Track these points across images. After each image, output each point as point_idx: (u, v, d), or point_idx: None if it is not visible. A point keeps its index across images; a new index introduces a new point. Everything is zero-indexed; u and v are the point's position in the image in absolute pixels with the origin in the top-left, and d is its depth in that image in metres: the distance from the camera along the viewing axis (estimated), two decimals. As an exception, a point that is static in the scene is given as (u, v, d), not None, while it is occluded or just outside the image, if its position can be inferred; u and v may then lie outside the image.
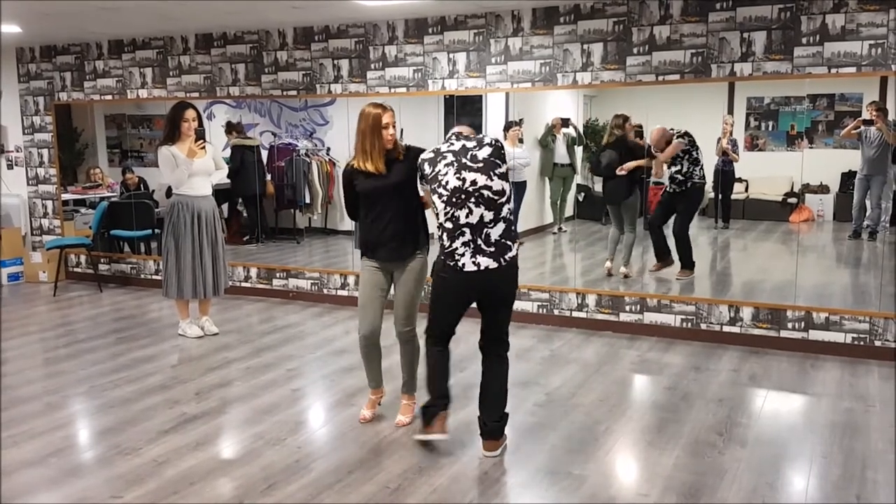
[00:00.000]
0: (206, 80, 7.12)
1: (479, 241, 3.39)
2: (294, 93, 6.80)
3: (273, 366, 5.09)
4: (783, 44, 5.10)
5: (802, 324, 5.29)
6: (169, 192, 5.74)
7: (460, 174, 3.38)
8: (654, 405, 4.29)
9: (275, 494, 3.27)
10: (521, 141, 7.05)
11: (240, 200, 8.31)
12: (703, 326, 5.56)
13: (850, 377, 4.74)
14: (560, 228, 7.58)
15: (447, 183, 3.38)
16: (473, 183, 3.37)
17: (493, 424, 3.62)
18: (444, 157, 3.45)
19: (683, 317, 5.62)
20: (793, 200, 6.70)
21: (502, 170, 3.45)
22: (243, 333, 5.94)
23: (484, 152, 3.43)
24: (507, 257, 3.43)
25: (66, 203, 8.21)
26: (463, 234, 3.39)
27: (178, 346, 5.59)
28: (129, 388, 4.67)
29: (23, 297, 7.41)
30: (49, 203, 8.21)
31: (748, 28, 5.18)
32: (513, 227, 3.50)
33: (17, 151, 8.24)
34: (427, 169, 3.49)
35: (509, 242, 3.45)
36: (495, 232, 3.41)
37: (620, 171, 6.24)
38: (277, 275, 7.21)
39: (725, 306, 5.52)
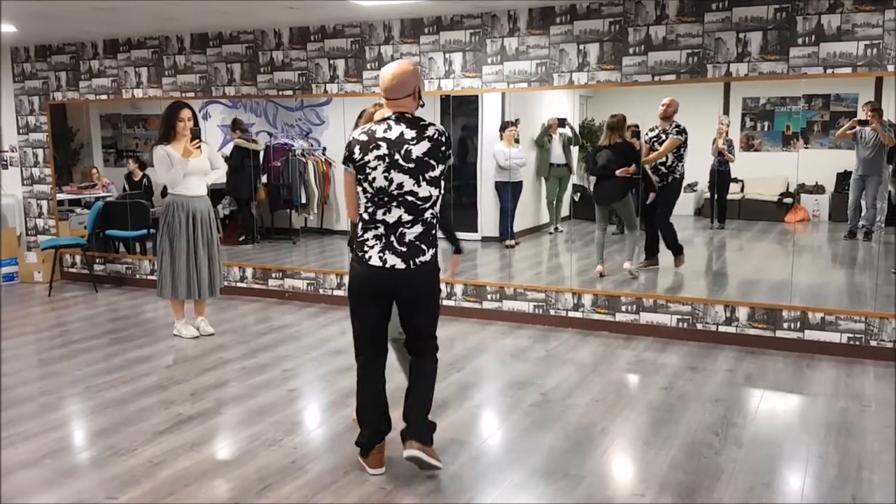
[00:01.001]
0: (202, 79, 7.11)
1: (392, 239, 3.21)
2: (290, 93, 6.79)
3: (269, 366, 5.08)
4: (779, 44, 5.11)
5: (798, 324, 5.29)
6: (164, 192, 5.73)
7: (388, 174, 3.15)
8: (650, 405, 4.29)
9: (270, 495, 3.26)
10: (517, 141, 7.05)
11: (229, 199, 8.31)
12: (699, 326, 5.57)
13: (846, 377, 4.75)
14: (556, 228, 7.58)
15: (374, 180, 3.16)
16: (399, 187, 3.16)
17: (418, 425, 3.37)
18: (378, 147, 3.16)
19: (679, 317, 5.63)
20: (788, 201, 6.72)
21: (436, 173, 3.21)
22: (239, 334, 5.92)
23: (420, 148, 3.18)
24: (418, 260, 3.22)
25: (61, 203, 8.18)
26: (377, 227, 3.23)
27: (174, 347, 5.57)
28: (124, 388, 4.66)
29: (18, 298, 7.39)
30: (44, 203, 8.19)
31: (744, 28, 5.19)
32: (433, 232, 3.29)
33: (12, 151, 8.21)
34: (357, 154, 3.19)
35: (424, 246, 3.23)
36: (411, 233, 3.22)
37: (622, 174, 6.19)
38: (273, 275, 7.20)
39: (721, 306, 5.52)
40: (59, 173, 8.13)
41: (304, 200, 8.10)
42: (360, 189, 3.24)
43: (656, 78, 5.45)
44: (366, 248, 3.24)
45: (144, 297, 7.28)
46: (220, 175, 5.84)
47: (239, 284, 7.31)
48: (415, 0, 5.43)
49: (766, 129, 6.57)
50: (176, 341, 5.71)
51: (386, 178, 3.17)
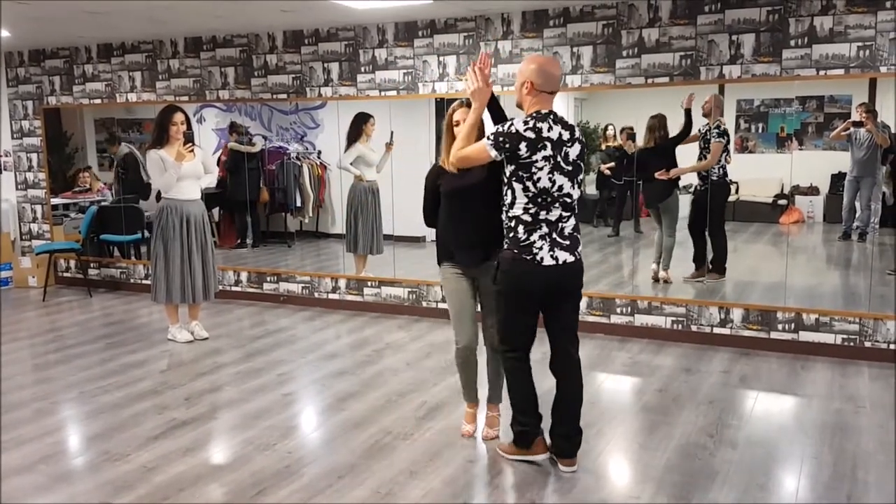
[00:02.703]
0: (196, 83, 7.10)
1: (556, 235, 3.28)
2: (284, 96, 6.79)
3: (264, 370, 5.07)
4: (772, 46, 5.12)
5: (792, 325, 5.30)
6: (158, 197, 5.71)
7: (552, 175, 3.22)
8: (645, 407, 4.29)
9: (265, 500, 3.25)
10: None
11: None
12: (694, 328, 5.57)
13: (841, 378, 4.75)
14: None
15: (538, 180, 3.21)
16: (560, 189, 3.25)
17: (571, 438, 3.49)
18: (544, 147, 3.20)
19: (674, 318, 5.63)
20: (783, 202, 6.72)
21: (582, 175, 3.35)
22: (234, 338, 5.91)
23: (574, 151, 3.29)
24: (579, 251, 3.37)
25: (55, 207, 8.17)
26: (540, 227, 3.27)
27: (168, 351, 5.56)
28: (118, 393, 4.64)
29: (12, 303, 7.36)
30: (38, 207, 8.17)
31: (737, 30, 5.20)
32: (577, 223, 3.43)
33: (6, 156, 8.19)
34: (524, 151, 3.19)
35: (579, 236, 3.38)
36: (568, 226, 3.32)
37: (661, 176, 6.15)
38: (268, 279, 7.19)
39: (716, 308, 5.52)
40: (53, 178, 8.12)
41: (299, 204, 8.09)
42: (519, 187, 3.26)
43: (650, 80, 5.46)
44: (534, 251, 3.27)
45: (139, 301, 7.26)
46: (212, 179, 5.83)
47: (234, 288, 7.30)
48: (408, 3, 5.43)
49: (760, 130, 6.57)
50: (170, 346, 5.69)
51: (550, 179, 3.23)
